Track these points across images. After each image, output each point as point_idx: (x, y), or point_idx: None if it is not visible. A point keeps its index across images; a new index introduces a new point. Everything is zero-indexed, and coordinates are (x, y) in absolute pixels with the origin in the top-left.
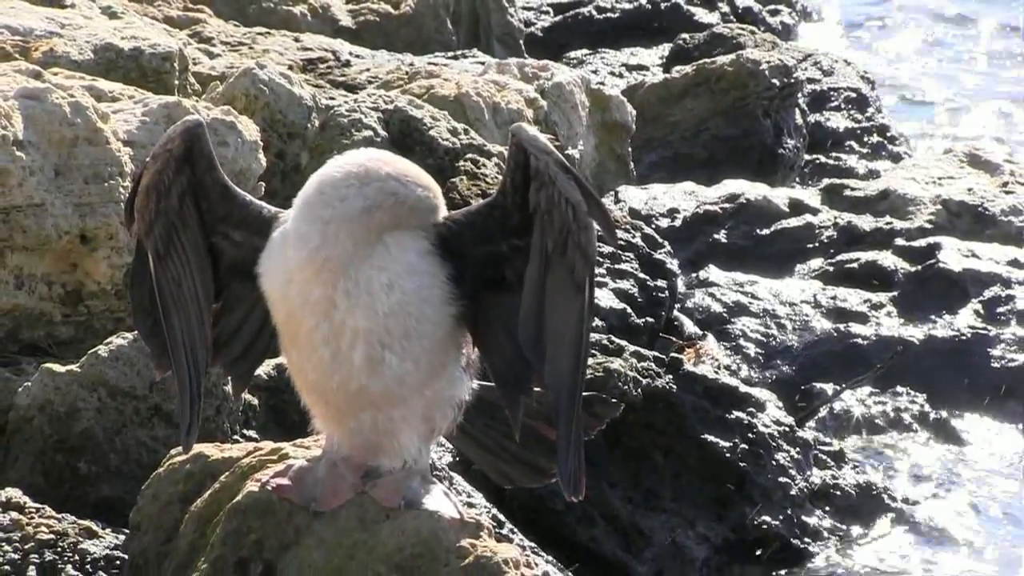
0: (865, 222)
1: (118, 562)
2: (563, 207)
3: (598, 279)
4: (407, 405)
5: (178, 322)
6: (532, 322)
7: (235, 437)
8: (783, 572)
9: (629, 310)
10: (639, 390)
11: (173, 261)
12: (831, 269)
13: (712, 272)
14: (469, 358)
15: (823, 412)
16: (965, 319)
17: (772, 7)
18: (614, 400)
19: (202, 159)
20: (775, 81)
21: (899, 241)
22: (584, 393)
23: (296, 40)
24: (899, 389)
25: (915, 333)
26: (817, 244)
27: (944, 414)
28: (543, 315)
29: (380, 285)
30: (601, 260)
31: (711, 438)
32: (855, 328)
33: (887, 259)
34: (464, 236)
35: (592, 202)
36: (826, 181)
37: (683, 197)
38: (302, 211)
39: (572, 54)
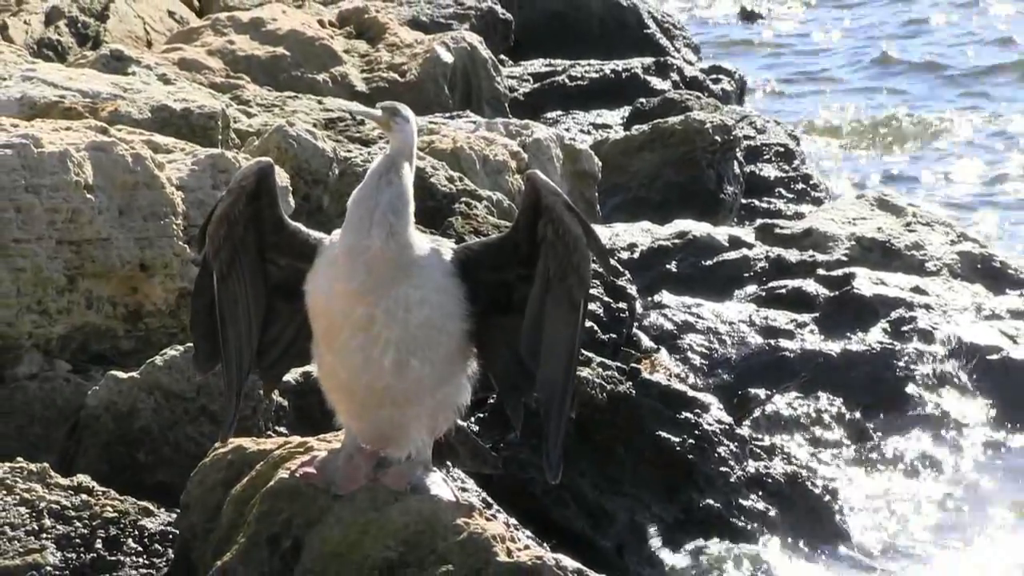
0: (792, 255)
1: (171, 536)
2: (567, 239)
3: None
4: (421, 404)
5: (232, 334)
6: (533, 334)
7: (268, 433)
8: (723, 546)
9: (596, 328)
10: (604, 394)
11: (233, 281)
12: (763, 294)
13: (665, 296)
14: (472, 369)
15: (757, 413)
16: (875, 336)
17: (715, 76)
18: (495, 456)
19: (267, 195)
20: (717, 138)
21: (820, 271)
22: (479, 443)
23: (319, 103)
24: (820, 394)
25: (833, 348)
26: (752, 273)
27: (858, 415)
28: (543, 329)
29: (415, 301)
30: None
31: (664, 434)
32: (783, 343)
33: (810, 286)
34: (481, 263)
35: (591, 236)
36: (759, 221)
37: (640, 234)
38: (346, 253)
39: (549, 115)
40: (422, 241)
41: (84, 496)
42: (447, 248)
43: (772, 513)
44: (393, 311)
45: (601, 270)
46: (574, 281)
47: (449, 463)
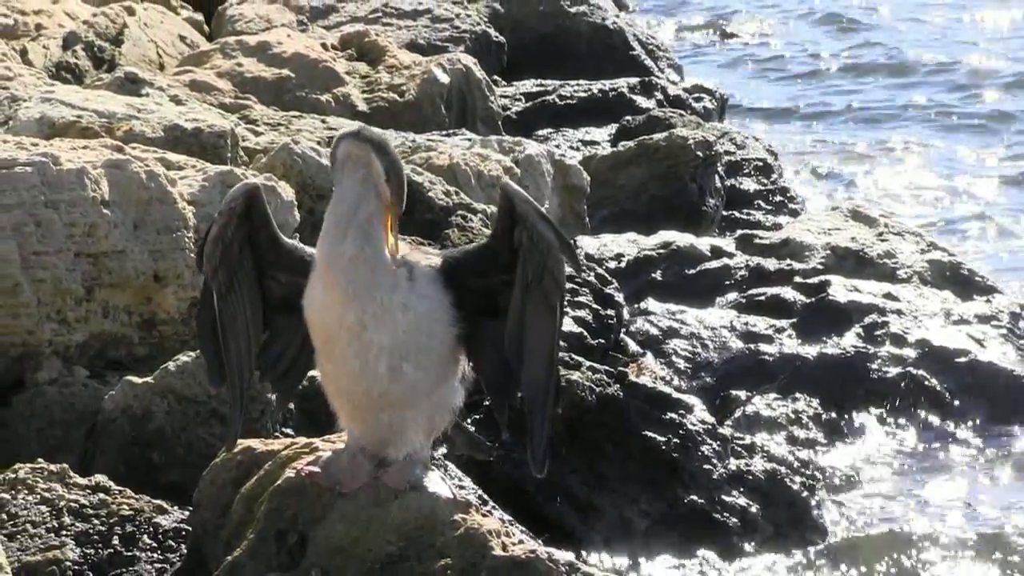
0: (770, 264)
1: (184, 533)
2: (541, 245)
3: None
4: (417, 407)
5: (235, 348)
6: (515, 337)
7: (276, 434)
8: (705, 539)
9: (585, 333)
10: (593, 396)
11: (232, 298)
12: (743, 301)
13: (650, 303)
14: (464, 372)
15: (738, 413)
16: (849, 340)
17: (697, 95)
18: (488, 445)
19: (258, 215)
20: (699, 153)
21: (797, 279)
22: (473, 433)
23: (323, 122)
24: (797, 395)
25: (810, 351)
26: (732, 281)
27: (833, 415)
28: (524, 331)
29: (398, 305)
30: (574, 288)
31: (650, 434)
32: (763, 347)
33: (788, 293)
34: (465, 270)
35: (563, 242)
36: (739, 231)
37: (627, 244)
38: (323, 261)
39: (540, 132)
40: (401, 249)
41: (101, 495)
42: (431, 256)
43: (753, 508)
44: (380, 316)
45: (578, 276)
46: (550, 285)
47: (447, 462)
